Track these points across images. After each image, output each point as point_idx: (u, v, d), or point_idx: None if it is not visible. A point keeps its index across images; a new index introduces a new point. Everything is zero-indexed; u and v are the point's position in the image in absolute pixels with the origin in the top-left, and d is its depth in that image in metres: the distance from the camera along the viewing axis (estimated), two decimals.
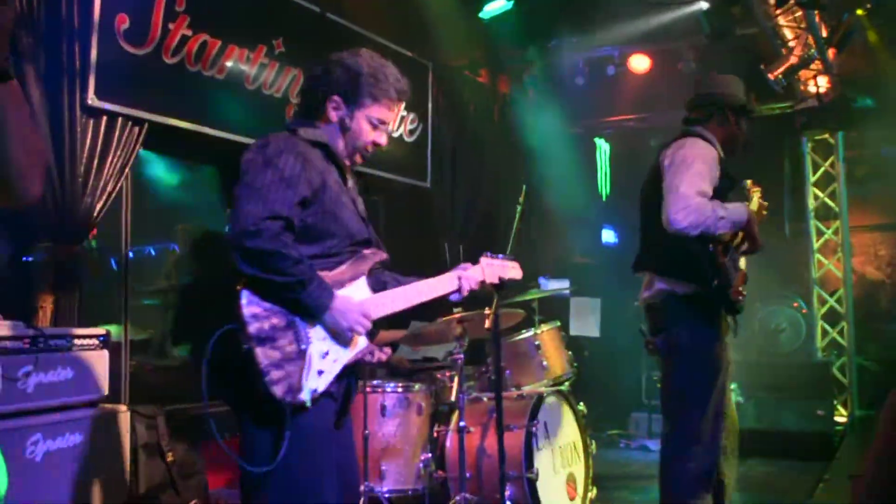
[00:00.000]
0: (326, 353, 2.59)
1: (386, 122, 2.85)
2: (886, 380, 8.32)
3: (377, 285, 2.86)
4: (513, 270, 3.33)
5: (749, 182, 4.32)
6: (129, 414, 3.88)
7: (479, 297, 3.33)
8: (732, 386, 6.13)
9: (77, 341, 3.63)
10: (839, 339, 8.77)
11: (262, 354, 2.45)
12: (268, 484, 2.53)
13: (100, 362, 3.75)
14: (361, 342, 2.70)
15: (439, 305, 5.53)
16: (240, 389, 2.53)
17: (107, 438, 3.71)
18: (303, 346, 2.52)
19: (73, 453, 3.50)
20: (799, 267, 8.98)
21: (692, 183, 3.65)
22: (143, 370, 5.87)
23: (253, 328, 2.46)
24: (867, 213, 9.28)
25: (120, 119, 4.49)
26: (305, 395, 2.49)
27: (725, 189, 3.94)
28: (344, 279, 2.69)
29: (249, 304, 2.49)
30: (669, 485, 3.89)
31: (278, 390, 2.44)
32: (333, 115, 2.79)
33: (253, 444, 2.56)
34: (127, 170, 4.59)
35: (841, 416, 8.28)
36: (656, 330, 3.98)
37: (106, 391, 3.79)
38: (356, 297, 2.70)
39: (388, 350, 2.80)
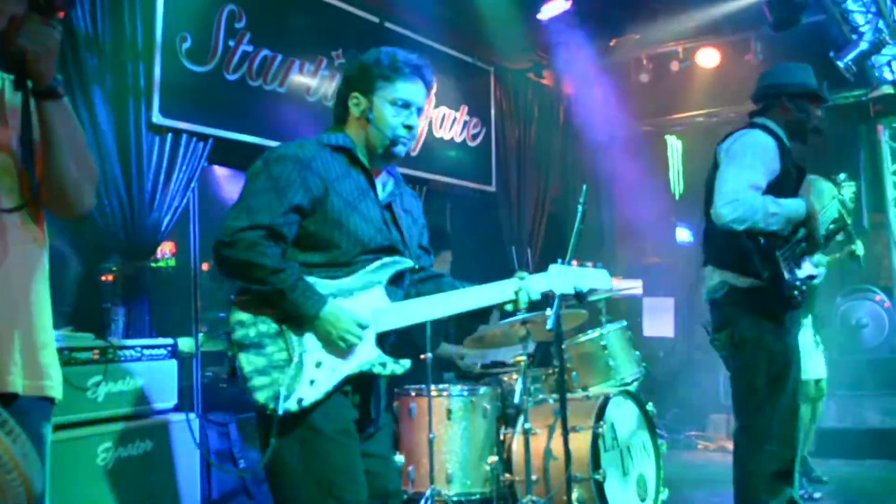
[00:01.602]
0: (320, 363, 2.51)
1: (409, 103, 2.72)
2: None
3: (424, 293, 2.82)
4: (595, 280, 2.90)
5: (844, 176, 4.25)
6: (198, 422, 3.97)
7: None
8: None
9: (145, 352, 3.74)
10: None
11: (245, 360, 2.42)
12: (282, 484, 2.50)
13: (168, 372, 3.85)
14: (367, 353, 2.58)
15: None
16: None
17: (177, 446, 3.80)
18: (293, 355, 2.48)
19: (144, 460, 3.61)
20: (880, 259, 8.67)
21: (742, 175, 3.62)
22: (217, 381, 6.00)
23: (237, 335, 2.45)
24: None
25: (184, 135, 4.63)
26: (291, 404, 2.41)
27: (792, 179, 3.88)
28: (353, 287, 2.60)
29: (236, 312, 2.48)
30: (745, 484, 3.83)
31: (260, 397, 2.41)
32: (356, 111, 2.73)
33: (263, 449, 2.51)
34: (193, 184, 4.71)
35: None
36: (721, 325, 3.93)
37: (175, 400, 3.89)
38: (368, 305, 2.60)
39: (405, 362, 2.63)
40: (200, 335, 5.06)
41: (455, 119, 6.90)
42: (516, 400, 4.36)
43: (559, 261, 2.85)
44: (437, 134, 6.65)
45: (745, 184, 3.59)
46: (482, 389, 4.73)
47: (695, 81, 8.59)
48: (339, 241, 2.59)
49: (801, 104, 3.93)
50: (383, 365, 2.59)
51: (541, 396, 4.82)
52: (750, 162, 3.67)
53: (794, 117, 3.93)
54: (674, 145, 9.86)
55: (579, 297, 2.83)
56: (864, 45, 6.68)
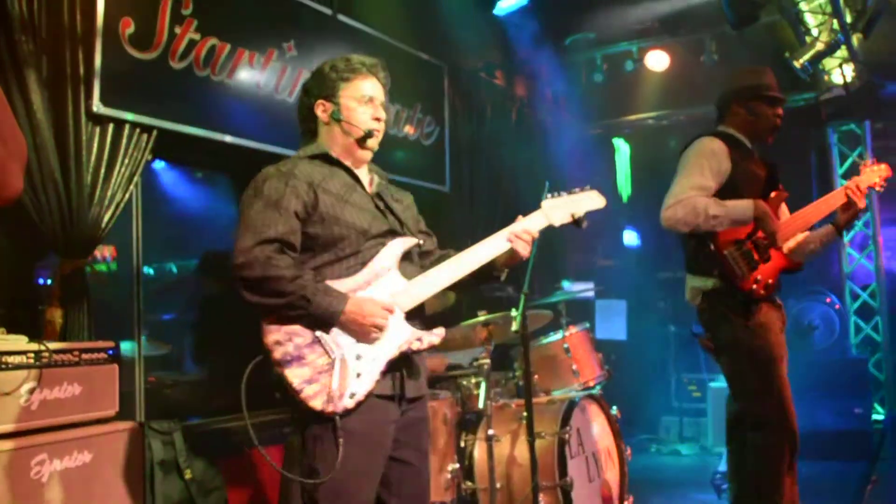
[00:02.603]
0: (360, 356, 2.62)
1: (373, 97, 2.91)
2: None
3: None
4: (588, 200, 3.02)
5: (867, 160, 4.24)
6: (142, 430, 3.69)
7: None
8: None
9: (84, 355, 3.45)
10: (873, 334, 8.51)
11: (292, 375, 2.53)
12: (313, 488, 2.58)
13: (109, 377, 3.56)
14: (401, 333, 2.69)
15: (460, 309, 5.38)
16: (292, 406, 2.62)
17: (119, 456, 3.53)
18: (334, 356, 2.58)
19: (83, 473, 3.31)
20: (829, 262, 8.73)
21: (685, 180, 3.76)
22: (160, 386, 5.73)
23: (277, 354, 2.55)
24: None
25: (127, 126, 4.33)
26: (346, 401, 2.55)
27: (758, 180, 3.88)
28: (369, 279, 2.71)
29: (270, 333, 2.57)
30: (760, 476, 3.80)
31: (317, 403, 2.53)
32: (325, 117, 2.89)
33: (315, 454, 2.60)
34: (136, 179, 4.43)
35: (878, 414, 8.01)
36: (705, 330, 4.01)
37: (117, 407, 3.60)
38: (386, 290, 2.70)
39: (439, 332, 2.77)
40: (143, 338, 4.80)
41: (408, 116, 6.71)
42: (480, 405, 4.19)
43: (550, 194, 2.97)
44: (391, 132, 6.45)
45: (687, 186, 3.72)
46: (441, 394, 4.56)
47: (646, 83, 8.55)
48: (340, 234, 2.71)
49: (750, 106, 4.00)
50: (420, 340, 2.71)
51: (502, 401, 4.65)
52: (693, 166, 3.80)
53: (745, 120, 4.01)
54: (621, 149, 9.83)
55: (579, 223, 2.93)
56: (819, 46, 6.66)
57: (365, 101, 2.88)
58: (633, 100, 8.88)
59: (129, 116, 4.33)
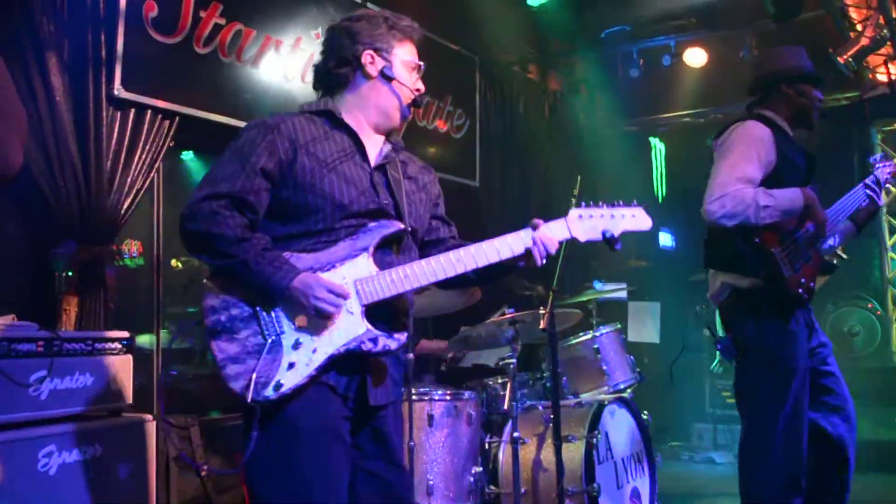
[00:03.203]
0: (299, 344, 2.28)
1: (420, 66, 2.60)
2: None
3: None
4: (630, 220, 2.55)
5: (876, 158, 4.05)
6: (155, 424, 3.59)
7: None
8: None
9: (98, 345, 3.35)
10: None
11: (217, 348, 2.26)
12: (257, 483, 2.33)
13: (123, 368, 3.46)
14: (353, 328, 2.31)
15: (486, 308, 5.23)
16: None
17: (131, 450, 3.42)
18: (269, 337, 2.29)
19: (93, 466, 3.22)
20: (870, 267, 8.48)
21: (732, 170, 3.44)
22: (182, 380, 5.65)
23: (209, 321, 2.29)
24: None
25: (149, 111, 4.28)
26: (268, 391, 2.22)
27: (799, 170, 3.67)
28: (335, 259, 2.36)
29: (208, 297, 2.32)
30: (748, 494, 3.59)
31: (237, 386, 2.23)
32: (372, 70, 2.52)
33: (245, 443, 2.32)
34: (157, 165, 4.36)
35: None
36: (725, 329, 3.72)
37: (130, 399, 3.51)
38: (350, 276, 2.35)
39: (400, 336, 2.35)
40: (163, 331, 4.70)
41: (438, 109, 6.58)
42: (506, 406, 4.04)
43: (581, 203, 2.54)
44: (420, 123, 6.34)
45: (734, 177, 3.41)
46: (466, 394, 4.40)
47: (682, 80, 8.34)
48: (315, 205, 2.38)
49: (800, 88, 3.73)
50: (373, 341, 2.32)
51: (529, 403, 4.49)
52: (741, 154, 3.49)
53: (795, 102, 3.73)
54: (657, 147, 9.65)
55: (610, 244, 2.51)
56: (864, 42, 6.42)
57: (414, 68, 2.59)
58: (670, 96, 8.67)
59: (151, 101, 4.27)
